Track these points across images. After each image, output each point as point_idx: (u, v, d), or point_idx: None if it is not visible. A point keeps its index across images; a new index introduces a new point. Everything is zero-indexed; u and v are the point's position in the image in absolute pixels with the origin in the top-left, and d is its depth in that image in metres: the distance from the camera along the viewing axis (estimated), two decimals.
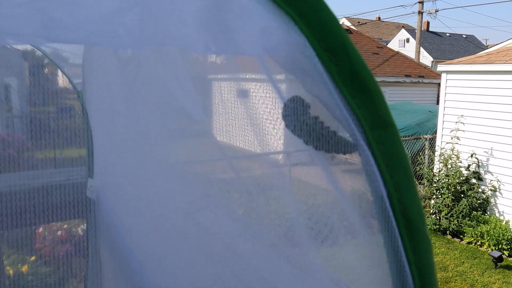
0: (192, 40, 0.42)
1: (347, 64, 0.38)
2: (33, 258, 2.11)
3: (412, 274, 0.39)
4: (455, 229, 6.57)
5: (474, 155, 6.73)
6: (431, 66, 30.98)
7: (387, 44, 30.92)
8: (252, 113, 0.76)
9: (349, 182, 0.50)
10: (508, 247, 6.00)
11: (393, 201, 0.39)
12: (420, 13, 20.23)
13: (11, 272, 2.09)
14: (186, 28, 0.45)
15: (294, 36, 0.37)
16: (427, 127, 9.19)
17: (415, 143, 8.46)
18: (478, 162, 6.77)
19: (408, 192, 0.40)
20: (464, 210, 6.46)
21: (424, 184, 7.33)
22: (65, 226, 2.48)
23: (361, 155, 0.40)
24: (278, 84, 0.47)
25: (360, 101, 0.38)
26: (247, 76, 0.76)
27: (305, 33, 0.37)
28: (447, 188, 6.67)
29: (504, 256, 5.82)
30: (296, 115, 0.45)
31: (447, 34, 41.03)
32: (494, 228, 6.20)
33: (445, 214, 6.69)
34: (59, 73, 1.93)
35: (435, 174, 7.04)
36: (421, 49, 27.64)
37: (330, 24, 0.37)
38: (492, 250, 5.95)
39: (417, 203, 0.40)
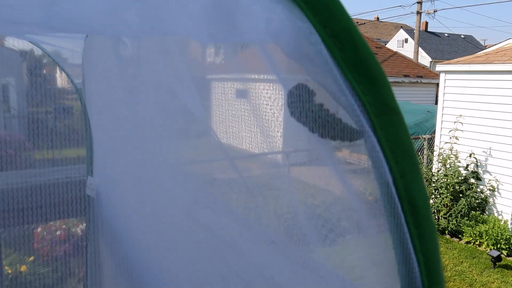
0: (195, 29, 0.42)
1: (352, 50, 0.38)
2: (31, 258, 2.10)
3: (418, 261, 0.39)
4: (454, 228, 6.58)
5: (472, 155, 6.74)
6: (430, 66, 31.04)
7: (385, 44, 30.97)
8: (254, 113, 0.76)
9: (357, 181, 0.50)
10: (507, 246, 6.01)
11: (399, 187, 0.39)
12: (419, 13, 20.26)
13: (9, 272, 2.08)
14: (188, 16, 0.45)
15: (299, 23, 0.37)
16: (426, 127, 9.20)
17: (413, 143, 8.47)
18: (476, 162, 6.78)
19: (414, 179, 0.40)
20: (463, 209, 6.47)
21: None
22: (64, 226, 2.48)
23: (366, 141, 0.40)
24: (281, 74, 0.47)
25: (366, 88, 0.38)
26: (247, 76, 0.76)
27: (310, 19, 0.37)
28: (446, 188, 6.68)
29: (502, 255, 5.83)
30: (301, 102, 0.45)
31: (446, 34, 41.13)
32: (493, 227, 6.22)
33: (444, 214, 6.70)
34: (58, 72, 1.93)
35: (433, 174, 7.05)
36: (420, 49, 27.70)
37: (336, 10, 0.37)
38: (490, 249, 5.96)
39: (422, 190, 0.40)
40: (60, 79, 1.96)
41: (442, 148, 7.14)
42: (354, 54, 0.38)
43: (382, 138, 0.39)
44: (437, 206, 6.78)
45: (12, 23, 0.39)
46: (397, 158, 0.39)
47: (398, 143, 0.39)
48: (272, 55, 0.45)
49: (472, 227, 6.37)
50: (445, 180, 6.73)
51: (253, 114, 0.76)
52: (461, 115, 6.90)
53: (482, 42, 46.31)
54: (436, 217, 6.88)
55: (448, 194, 6.64)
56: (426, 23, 39.71)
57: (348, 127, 0.42)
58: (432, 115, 9.25)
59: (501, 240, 6.04)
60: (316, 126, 0.45)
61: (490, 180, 6.69)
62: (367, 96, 0.39)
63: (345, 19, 0.37)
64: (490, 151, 6.68)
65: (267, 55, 0.45)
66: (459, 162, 6.83)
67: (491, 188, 6.67)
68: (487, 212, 6.80)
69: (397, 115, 0.39)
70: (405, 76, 14.08)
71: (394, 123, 0.39)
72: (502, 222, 6.46)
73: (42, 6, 0.39)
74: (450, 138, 6.94)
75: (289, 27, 0.38)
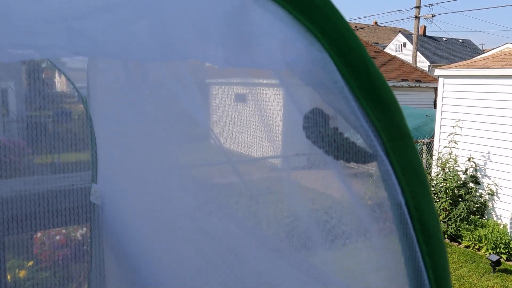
0: (211, 53, 0.44)
1: (367, 78, 0.39)
2: (30, 263, 2.10)
3: (429, 278, 0.41)
4: (453, 233, 6.60)
5: (471, 159, 6.76)
6: (428, 71, 31.13)
7: (384, 49, 31.05)
8: (254, 117, 0.77)
9: (360, 185, 0.51)
10: (506, 250, 6.03)
11: (411, 208, 0.41)
12: (417, 17, 20.34)
13: (9, 277, 2.08)
14: (204, 41, 0.46)
15: (315, 52, 0.39)
16: (425, 131, 9.23)
17: None
18: (475, 166, 6.81)
19: (424, 200, 0.42)
20: (462, 214, 6.48)
21: None
22: (64, 231, 2.48)
23: (379, 165, 0.42)
24: (295, 95, 0.48)
25: (379, 114, 0.40)
26: (247, 80, 0.77)
27: (326, 49, 0.39)
28: (445, 192, 6.70)
29: (502, 260, 5.84)
30: (317, 127, 0.46)
31: (444, 39, 41.29)
32: (492, 232, 6.23)
33: (443, 218, 6.71)
34: (57, 76, 1.93)
35: (432, 178, 7.07)
36: (418, 53, 27.81)
37: (351, 41, 0.39)
38: (490, 254, 5.97)
39: (432, 210, 0.42)
40: (60, 83, 1.97)
41: (441, 152, 7.16)
42: (368, 82, 0.40)
43: (395, 162, 0.41)
44: (436, 210, 6.79)
45: (35, 48, 0.41)
46: (409, 180, 0.41)
47: (410, 167, 0.41)
48: (286, 80, 0.46)
49: (472, 231, 6.38)
50: (444, 184, 6.75)
51: (252, 118, 0.77)
52: (459, 120, 6.93)
53: (480, 47, 46.50)
54: None
55: (447, 198, 6.65)
56: (425, 27, 39.90)
57: (362, 150, 0.44)
58: (431, 119, 9.28)
59: (500, 244, 6.05)
60: (331, 149, 0.46)
61: (489, 184, 6.72)
62: (380, 122, 0.40)
63: (359, 49, 0.39)
64: (489, 155, 6.70)
65: (282, 80, 0.47)
66: (458, 166, 6.85)
67: (490, 192, 6.69)
68: (486, 216, 6.82)
69: (409, 138, 0.41)
70: (404, 80, 14.12)
71: (406, 147, 0.41)
72: (501, 226, 6.47)
73: (66, 31, 0.41)
74: (449, 142, 6.96)
75: (306, 56, 0.40)
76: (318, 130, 0.47)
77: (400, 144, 0.41)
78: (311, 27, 0.39)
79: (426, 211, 0.41)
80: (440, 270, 0.42)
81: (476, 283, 5.38)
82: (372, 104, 0.40)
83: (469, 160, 6.77)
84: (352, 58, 0.39)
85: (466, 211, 6.49)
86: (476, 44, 44.86)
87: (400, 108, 0.42)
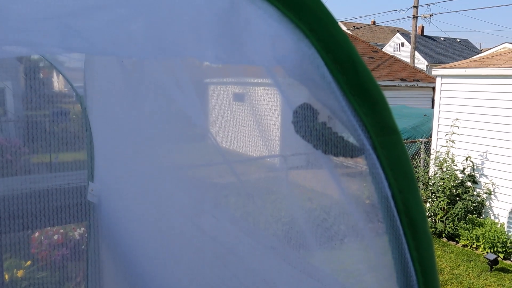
0: (203, 50, 0.45)
1: (354, 74, 0.40)
2: (28, 262, 2.10)
3: (416, 271, 0.42)
4: (451, 232, 6.62)
5: (469, 158, 6.78)
6: (426, 70, 31.18)
7: (382, 48, 31.05)
8: (252, 116, 0.77)
9: (354, 185, 0.52)
10: (503, 249, 6.05)
11: (397, 202, 0.42)
12: (415, 17, 20.37)
13: (6, 277, 2.08)
14: (195, 38, 0.47)
15: (304, 48, 0.40)
16: (423, 130, 9.25)
17: (410, 146, 8.51)
18: (473, 165, 6.83)
19: (411, 194, 0.42)
20: (460, 213, 6.50)
21: (419, 187, 7.37)
22: (61, 230, 2.48)
23: (367, 159, 0.43)
24: (286, 92, 0.49)
25: (367, 110, 0.41)
26: (245, 80, 0.78)
27: (315, 45, 0.40)
28: (443, 191, 6.72)
29: (499, 258, 5.86)
30: (306, 121, 0.47)
31: (442, 38, 41.36)
32: (489, 231, 6.25)
33: (441, 217, 6.73)
34: (55, 76, 1.93)
35: (430, 177, 7.08)
36: (416, 53, 27.87)
37: (339, 38, 0.39)
38: (487, 252, 5.99)
39: (419, 204, 0.43)
40: (57, 83, 1.97)
41: (438, 151, 7.18)
42: (355, 78, 0.40)
43: (382, 156, 0.42)
44: (434, 210, 6.81)
45: (30, 45, 0.42)
46: (396, 175, 0.42)
47: (397, 162, 0.42)
48: (277, 76, 0.47)
49: (469, 231, 6.41)
50: (442, 183, 6.77)
51: (251, 118, 0.78)
52: (457, 119, 6.95)
53: (477, 46, 46.62)
54: (433, 220, 6.91)
55: (445, 198, 6.67)
56: (422, 27, 39.99)
57: (350, 144, 0.45)
58: (429, 118, 9.30)
59: (497, 243, 6.07)
60: (319, 143, 0.47)
61: (486, 183, 6.74)
62: (368, 118, 0.41)
63: (347, 46, 0.39)
64: (486, 155, 6.72)
65: (273, 76, 0.47)
66: (456, 165, 6.87)
67: (488, 192, 6.71)
68: (483, 215, 6.84)
69: (396, 134, 0.42)
70: (402, 80, 14.14)
71: (394, 143, 0.42)
72: (498, 225, 6.50)
73: (59, 28, 0.41)
74: (447, 141, 6.98)
75: (295, 52, 0.40)
76: (307, 124, 0.47)
77: (387, 139, 0.42)
78: (300, 24, 0.39)
79: (413, 205, 0.42)
80: (426, 264, 0.42)
81: (473, 282, 5.40)
82: (360, 100, 0.41)
83: (466, 159, 6.79)
84: (340, 54, 0.40)
85: (463, 210, 6.51)
86: (474, 44, 44.97)
87: (388, 104, 0.42)
